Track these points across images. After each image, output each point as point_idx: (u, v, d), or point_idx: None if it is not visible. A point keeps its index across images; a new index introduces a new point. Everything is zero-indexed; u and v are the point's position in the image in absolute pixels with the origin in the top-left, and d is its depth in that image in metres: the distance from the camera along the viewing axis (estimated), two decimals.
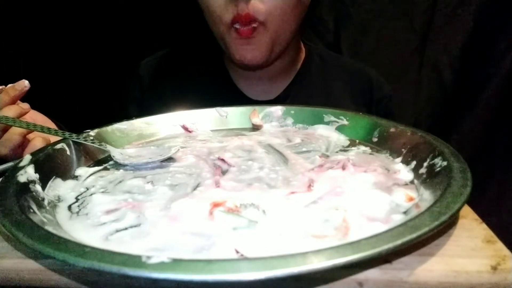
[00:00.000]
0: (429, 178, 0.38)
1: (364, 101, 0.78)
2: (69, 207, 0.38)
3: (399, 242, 0.25)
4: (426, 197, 0.35)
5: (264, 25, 0.64)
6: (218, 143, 0.54)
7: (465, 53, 0.96)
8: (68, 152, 0.47)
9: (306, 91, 0.77)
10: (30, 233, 0.28)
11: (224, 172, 0.44)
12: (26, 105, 0.55)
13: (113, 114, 0.67)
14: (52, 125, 0.60)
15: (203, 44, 0.83)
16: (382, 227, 0.31)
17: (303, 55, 0.80)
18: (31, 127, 0.50)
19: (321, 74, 0.79)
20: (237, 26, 0.64)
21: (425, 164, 0.41)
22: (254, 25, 0.63)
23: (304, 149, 0.51)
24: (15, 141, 0.52)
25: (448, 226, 0.31)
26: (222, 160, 0.47)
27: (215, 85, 0.78)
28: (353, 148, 0.51)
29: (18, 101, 0.55)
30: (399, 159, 0.46)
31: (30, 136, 0.54)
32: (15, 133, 0.52)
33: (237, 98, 0.74)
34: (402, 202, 0.36)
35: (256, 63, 0.68)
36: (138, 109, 0.79)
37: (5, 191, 0.35)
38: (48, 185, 0.40)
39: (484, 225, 0.33)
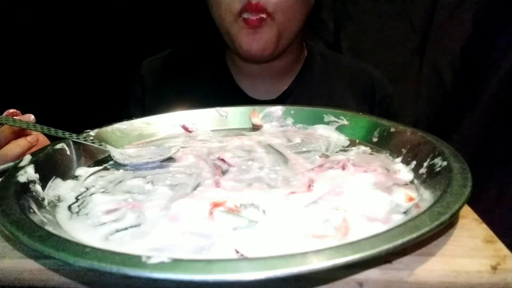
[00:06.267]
0: (429, 178, 0.38)
1: (367, 101, 0.78)
2: (69, 207, 0.37)
3: (399, 242, 0.25)
4: (426, 197, 0.35)
5: (271, 16, 0.64)
6: (218, 143, 0.54)
7: (465, 53, 0.96)
8: (68, 152, 0.47)
9: (308, 90, 0.77)
10: (30, 233, 0.28)
11: (224, 172, 0.44)
12: (34, 138, 0.53)
13: (115, 114, 0.67)
14: None
15: (205, 44, 0.83)
16: (382, 227, 0.31)
17: (305, 55, 0.80)
18: (31, 127, 0.50)
19: (323, 74, 0.79)
20: (245, 15, 0.64)
21: (425, 164, 0.41)
22: (263, 15, 0.63)
23: (304, 149, 0.51)
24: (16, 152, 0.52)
25: (448, 226, 0.31)
26: (222, 160, 0.47)
27: (217, 85, 0.78)
28: (353, 148, 0.51)
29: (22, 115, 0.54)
30: (399, 159, 0.46)
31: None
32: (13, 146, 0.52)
33: (239, 98, 0.74)
34: (402, 202, 0.36)
35: (262, 55, 0.67)
36: (140, 109, 0.79)
37: (5, 191, 0.35)
38: (48, 185, 0.40)
39: (484, 225, 0.33)
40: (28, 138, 0.53)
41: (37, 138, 0.54)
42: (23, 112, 0.53)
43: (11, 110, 0.52)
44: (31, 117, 0.52)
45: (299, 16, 0.68)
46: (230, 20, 0.66)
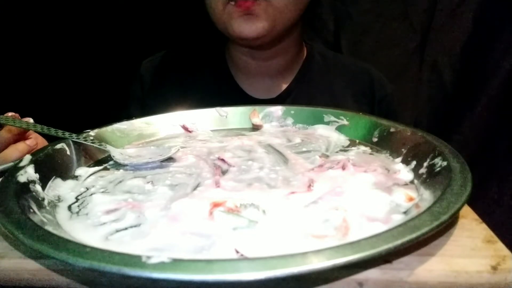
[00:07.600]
0: (429, 178, 0.38)
1: (366, 100, 0.78)
2: (69, 207, 0.38)
3: (399, 242, 0.25)
4: (426, 197, 0.35)
5: (267, 0, 0.63)
6: (218, 143, 0.54)
7: (465, 53, 0.96)
8: (68, 152, 0.47)
9: (308, 89, 0.77)
10: (30, 233, 0.28)
11: (224, 172, 0.44)
12: (33, 142, 0.53)
13: (115, 114, 0.67)
14: None
15: (204, 44, 0.83)
16: (382, 227, 0.31)
17: (304, 53, 0.80)
18: (31, 127, 0.50)
19: (323, 73, 0.79)
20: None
21: (425, 164, 0.41)
22: None
23: (304, 149, 0.51)
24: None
25: (448, 226, 0.31)
26: (222, 160, 0.47)
27: (216, 84, 0.78)
28: (353, 148, 0.51)
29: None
30: (399, 159, 0.46)
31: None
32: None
33: (239, 97, 0.74)
34: (402, 202, 0.36)
35: (256, 36, 0.65)
36: (140, 108, 0.79)
37: (5, 191, 0.35)
38: (48, 185, 0.40)
39: (484, 225, 0.33)
40: (27, 141, 0.53)
41: (36, 142, 0.54)
42: (22, 115, 0.53)
43: (10, 114, 0.52)
44: (29, 121, 0.52)
45: (296, 5, 0.67)
46: (220, 8, 0.65)
